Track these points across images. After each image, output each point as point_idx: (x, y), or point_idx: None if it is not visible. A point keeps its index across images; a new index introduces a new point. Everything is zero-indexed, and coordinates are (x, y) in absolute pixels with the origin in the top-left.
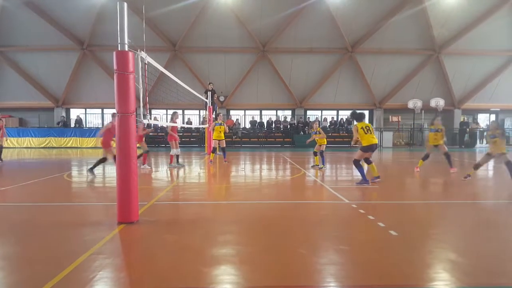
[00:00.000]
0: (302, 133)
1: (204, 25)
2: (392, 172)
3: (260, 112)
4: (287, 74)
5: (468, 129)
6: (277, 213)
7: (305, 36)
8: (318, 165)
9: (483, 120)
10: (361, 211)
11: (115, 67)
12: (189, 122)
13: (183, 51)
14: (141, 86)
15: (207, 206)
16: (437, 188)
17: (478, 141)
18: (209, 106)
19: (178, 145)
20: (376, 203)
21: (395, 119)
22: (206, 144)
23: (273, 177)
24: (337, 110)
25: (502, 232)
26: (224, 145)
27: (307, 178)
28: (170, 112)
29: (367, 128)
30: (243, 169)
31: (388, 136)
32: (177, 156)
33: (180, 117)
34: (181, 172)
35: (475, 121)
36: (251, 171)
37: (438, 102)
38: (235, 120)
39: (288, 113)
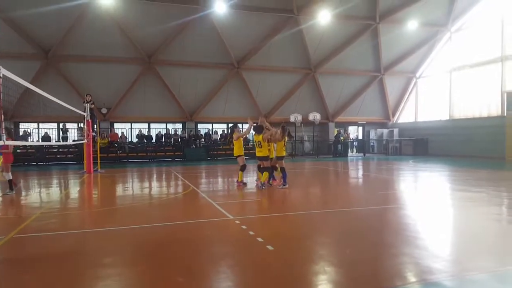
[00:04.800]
0: (193, 146)
1: (83, 33)
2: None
3: (149, 125)
4: (176, 87)
5: (340, 140)
6: (159, 237)
7: (193, 50)
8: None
9: (353, 131)
10: (243, 226)
11: None
12: (65, 137)
13: (58, 60)
14: None
15: (82, 235)
16: (316, 198)
17: (349, 150)
18: (87, 120)
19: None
20: (258, 216)
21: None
22: (85, 161)
23: (159, 195)
24: (227, 123)
25: (370, 238)
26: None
27: (194, 194)
28: (44, 126)
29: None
30: (127, 189)
31: None
32: (10, 181)
33: (54, 131)
34: (54, 195)
35: (347, 132)
36: (138, 189)
37: (315, 116)
38: (120, 134)
39: (179, 126)
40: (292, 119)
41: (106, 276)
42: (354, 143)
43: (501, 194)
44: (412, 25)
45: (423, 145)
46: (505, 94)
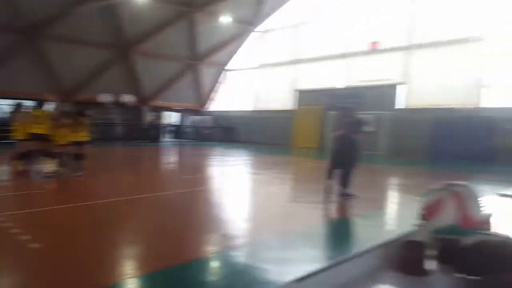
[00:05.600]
0: None
1: None
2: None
3: None
4: None
5: (155, 125)
6: None
7: None
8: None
9: (169, 117)
10: (5, 224)
11: None
12: None
13: None
14: None
15: None
16: (115, 186)
17: (164, 136)
18: None
19: None
20: (28, 212)
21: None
22: None
23: None
24: (15, 99)
25: (168, 221)
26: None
27: None
28: None
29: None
30: None
31: None
32: None
33: None
34: None
35: (159, 117)
36: None
37: (128, 98)
38: None
39: None
40: (102, 99)
41: None
42: (169, 129)
43: (284, 176)
44: (225, 19)
45: (232, 132)
46: (297, 92)
